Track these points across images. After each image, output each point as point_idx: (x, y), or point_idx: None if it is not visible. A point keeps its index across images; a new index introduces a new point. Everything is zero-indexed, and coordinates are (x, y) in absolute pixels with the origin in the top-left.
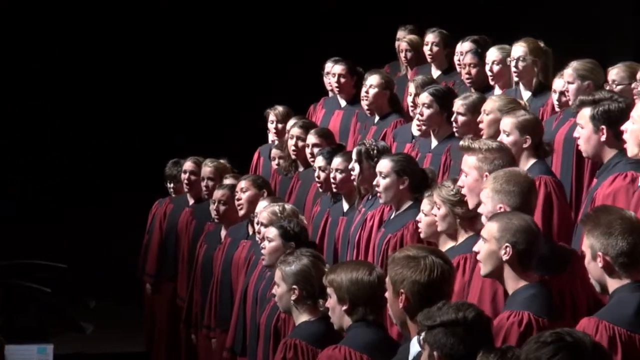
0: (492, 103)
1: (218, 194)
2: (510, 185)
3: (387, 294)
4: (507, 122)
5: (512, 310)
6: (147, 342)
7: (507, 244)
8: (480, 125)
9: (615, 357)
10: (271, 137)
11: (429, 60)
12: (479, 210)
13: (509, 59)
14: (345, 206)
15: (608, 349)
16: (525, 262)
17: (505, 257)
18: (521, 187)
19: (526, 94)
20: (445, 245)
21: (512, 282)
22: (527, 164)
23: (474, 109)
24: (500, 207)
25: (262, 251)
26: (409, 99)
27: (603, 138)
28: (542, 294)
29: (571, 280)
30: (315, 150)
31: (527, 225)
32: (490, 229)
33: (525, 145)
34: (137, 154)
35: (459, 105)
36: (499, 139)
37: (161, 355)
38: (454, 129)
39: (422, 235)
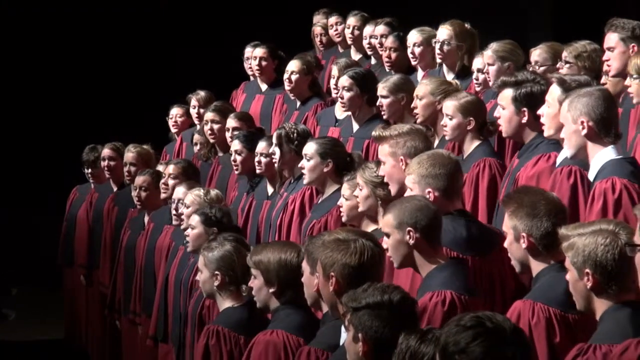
0: (423, 87)
1: (139, 180)
2: (436, 168)
3: (304, 278)
4: (450, 105)
5: (433, 291)
6: (67, 329)
7: (408, 228)
8: (415, 111)
9: (555, 338)
10: (171, 127)
11: (349, 42)
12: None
13: (434, 40)
14: (270, 190)
15: (547, 331)
16: (432, 239)
17: (411, 242)
18: (447, 169)
19: (449, 76)
20: (368, 228)
21: (425, 264)
22: (471, 145)
23: (396, 90)
24: (429, 192)
25: (187, 238)
26: (332, 82)
27: (524, 120)
28: (459, 272)
29: (499, 261)
30: (236, 134)
31: (421, 203)
32: (387, 221)
33: (469, 128)
34: (53, 141)
35: (381, 88)
36: (442, 123)
37: (85, 342)
38: (382, 113)
39: (343, 219)
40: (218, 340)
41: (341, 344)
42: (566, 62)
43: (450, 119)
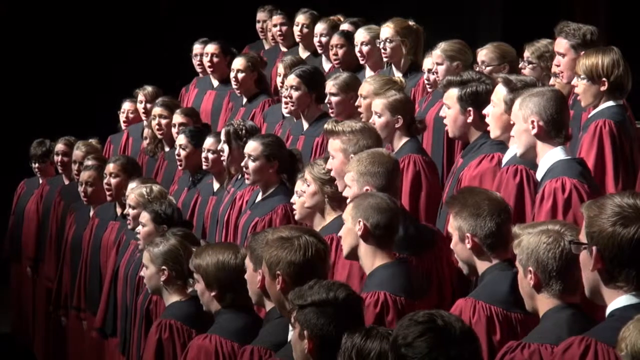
0: (368, 86)
1: (85, 175)
2: (375, 166)
3: (247, 275)
4: (378, 104)
5: (368, 292)
6: (14, 324)
7: (359, 219)
8: (359, 109)
9: (495, 336)
10: (122, 121)
11: (297, 40)
12: (344, 194)
13: (377, 40)
14: (216, 186)
15: (487, 329)
16: (381, 238)
17: (359, 232)
18: (386, 168)
19: (397, 74)
20: (320, 225)
21: (368, 261)
22: (399, 142)
23: (346, 88)
24: (367, 189)
25: (137, 235)
26: (279, 79)
27: (470, 119)
28: (400, 273)
29: (437, 259)
30: (182, 129)
31: (381, 202)
32: (347, 209)
33: (397, 125)
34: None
35: (330, 85)
36: (370, 121)
37: (32, 337)
38: (330, 111)
39: (296, 217)
40: (171, 333)
41: (289, 340)
42: (529, 63)
43: (379, 117)
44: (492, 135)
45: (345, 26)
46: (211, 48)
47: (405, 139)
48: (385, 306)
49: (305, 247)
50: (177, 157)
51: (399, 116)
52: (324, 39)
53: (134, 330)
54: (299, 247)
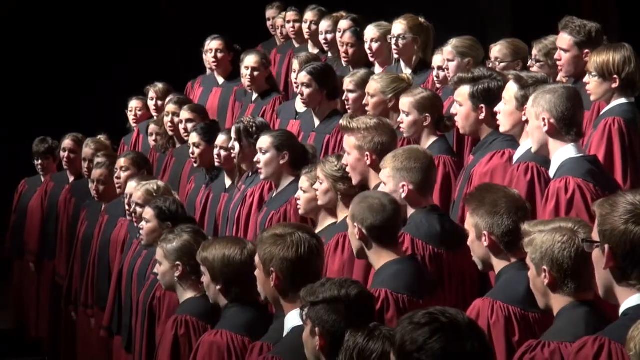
0: (374, 84)
1: (96, 173)
2: (411, 162)
3: (256, 272)
4: (405, 102)
5: (371, 289)
6: (15, 320)
7: (355, 223)
8: (367, 108)
9: (513, 337)
10: (131, 120)
11: (306, 37)
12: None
13: (389, 36)
14: (228, 182)
15: (505, 329)
16: (381, 239)
17: (357, 236)
18: (422, 163)
19: (407, 71)
20: (325, 222)
21: (376, 260)
22: (427, 141)
23: (363, 84)
24: (404, 185)
25: (140, 232)
26: (293, 76)
27: (482, 116)
28: (408, 270)
29: (469, 257)
30: (189, 125)
31: (374, 202)
32: (349, 211)
33: (425, 124)
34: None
35: (347, 82)
36: (398, 119)
37: (42, 333)
38: (347, 107)
39: (300, 212)
40: (187, 330)
41: (284, 335)
42: (537, 61)
43: (407, 115)
44: (502, 129)
45: (344, 23)
46: (215, 44)
47: (433, 138)
48: (385, 304)
49: (298, 244)
50: (191, 155)
51: (427, 114)
52: (329, 36)
53: (137, 327)
54: (291, 244)
